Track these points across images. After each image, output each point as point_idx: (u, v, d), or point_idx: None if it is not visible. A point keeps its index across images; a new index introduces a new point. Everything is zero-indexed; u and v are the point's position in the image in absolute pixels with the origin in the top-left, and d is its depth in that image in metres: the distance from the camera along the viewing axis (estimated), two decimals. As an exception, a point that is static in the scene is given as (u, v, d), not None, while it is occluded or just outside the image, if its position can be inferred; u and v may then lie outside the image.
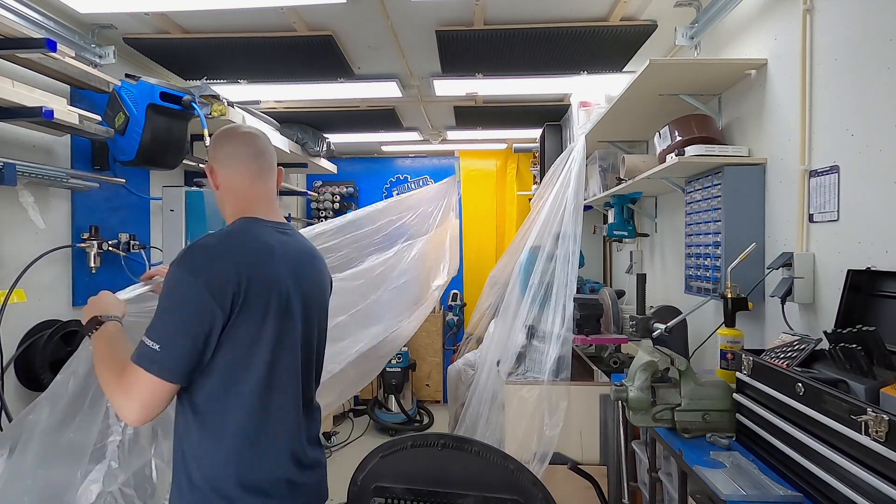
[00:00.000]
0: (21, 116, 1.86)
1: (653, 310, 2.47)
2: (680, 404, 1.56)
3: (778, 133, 1.88)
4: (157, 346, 1.09)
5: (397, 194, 5.32)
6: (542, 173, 3.87)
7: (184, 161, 2.70)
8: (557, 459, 2.31)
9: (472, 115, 4.03)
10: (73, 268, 2.37)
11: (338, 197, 5.29)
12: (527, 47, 2.68)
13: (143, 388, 1.08)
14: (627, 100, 2.36)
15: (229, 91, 3.25)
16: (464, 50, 2.73)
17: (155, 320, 1.13)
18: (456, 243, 3.40)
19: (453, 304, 5.10)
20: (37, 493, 1.22)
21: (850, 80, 1.53)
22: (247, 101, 3.38)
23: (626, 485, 2.23)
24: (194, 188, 2.36)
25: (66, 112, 1.95)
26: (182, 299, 1.13)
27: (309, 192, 4.94)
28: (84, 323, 1.25)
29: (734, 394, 1.51)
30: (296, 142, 3.87)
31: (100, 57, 2.49)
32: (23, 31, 1.86)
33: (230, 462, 1.18)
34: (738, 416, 1.50)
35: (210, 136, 2.19)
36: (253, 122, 3.07)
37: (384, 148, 5.25)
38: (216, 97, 2.35)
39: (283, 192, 4.39)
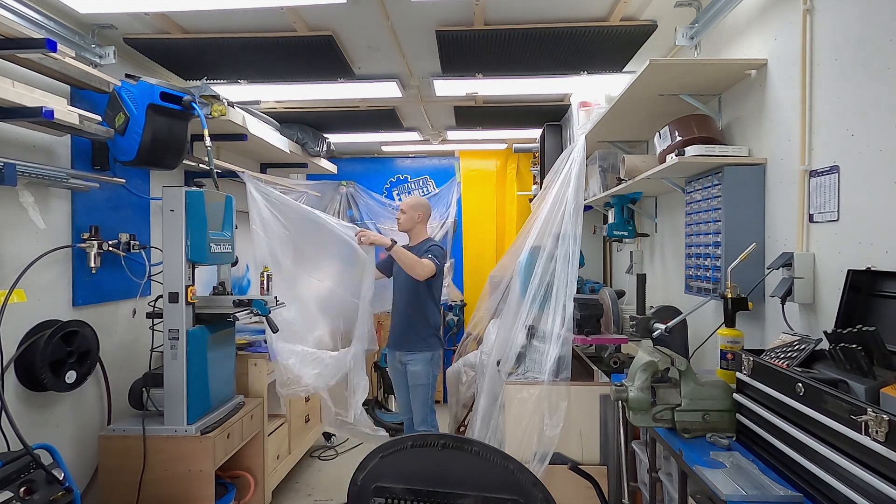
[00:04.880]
0: (21, 116, 1.86)
1: (653, 310, 2.47)
2: (680, 404, 1.56)
3: (778, 133, 1.88)
4: (436, 260, 2.98)
5: (397, 194, 5.34)
6: (542, 173, 3.87)
7: (184, 161, 2.70)
8: (557, 459, 2.30)
9: (472, 115, 4.03)
10: (73, 268, 2.37)
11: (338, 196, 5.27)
12: (527, 47, 2.68)
13: (430, 267, 2.95)
14: (627, 100, 2.36)
15: (229, 91, 3.25)
16: (464, 50, 2.73)
17: (432, 256, 2.98)
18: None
19: (453, 304, 5.09)
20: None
21: (850, 79, 1.53)
22: (247, 101, 3.38)
23: (626, 485, 2.23)
24: (194, 188, 2.36)
25: (66, 112, 1.95)
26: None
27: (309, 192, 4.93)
28: (388, 242, 2.97)
29: (734, 394, 1.51)
30: (296, 142, 3.87)
31: (100, 57, 2.49)
32: (23, 31, 1.86)
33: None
34: (738, 416, 1.50)
35: (210, 136, 2.22)
36: (253, 122, 3.07)
37: (384, 148, 5.24)
38: (216, 97, 2.35)
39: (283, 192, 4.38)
